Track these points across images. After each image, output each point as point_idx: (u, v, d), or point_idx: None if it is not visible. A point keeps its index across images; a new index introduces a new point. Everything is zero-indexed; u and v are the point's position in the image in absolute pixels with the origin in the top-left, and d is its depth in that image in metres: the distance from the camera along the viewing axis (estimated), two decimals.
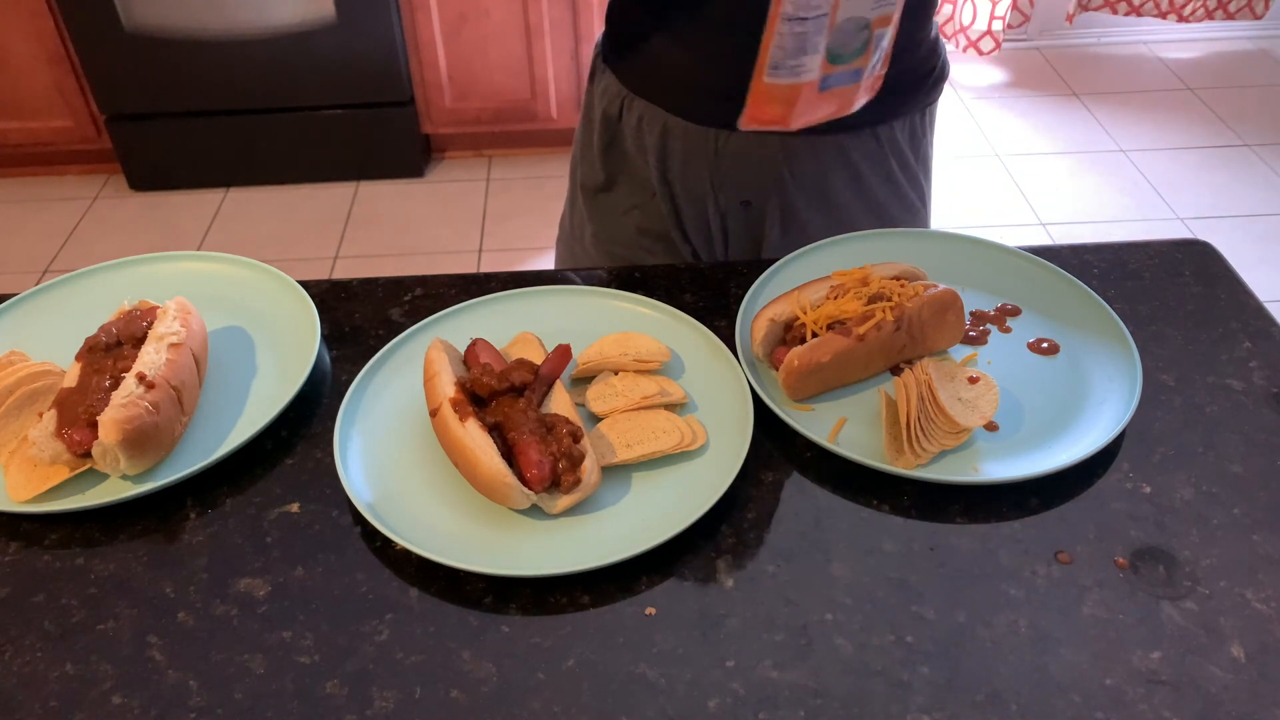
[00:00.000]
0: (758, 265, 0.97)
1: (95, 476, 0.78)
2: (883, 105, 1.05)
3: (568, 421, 0.76)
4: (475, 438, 0.74)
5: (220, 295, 0.96)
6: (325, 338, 0.92)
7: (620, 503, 0.76)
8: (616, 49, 1.12)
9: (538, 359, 0.84)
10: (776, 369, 0.84)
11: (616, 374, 0.84)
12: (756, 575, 0.71)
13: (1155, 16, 3.66)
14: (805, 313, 0.84)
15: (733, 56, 1.02)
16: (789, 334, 0.85)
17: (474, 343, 0.84)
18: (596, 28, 2.79)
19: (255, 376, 0.88)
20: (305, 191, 3.06)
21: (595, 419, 0.82)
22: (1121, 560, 0.71)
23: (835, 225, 1.06)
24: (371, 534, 0.74)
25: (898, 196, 1.11)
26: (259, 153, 3.01)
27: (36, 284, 0.98)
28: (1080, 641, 0.66)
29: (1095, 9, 3.68)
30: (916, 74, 1.06)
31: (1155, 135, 3.26)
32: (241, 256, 0.99)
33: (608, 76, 1.13)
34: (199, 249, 2.79)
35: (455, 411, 0.75)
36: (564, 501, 0.74)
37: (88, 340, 0.83)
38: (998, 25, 3.48)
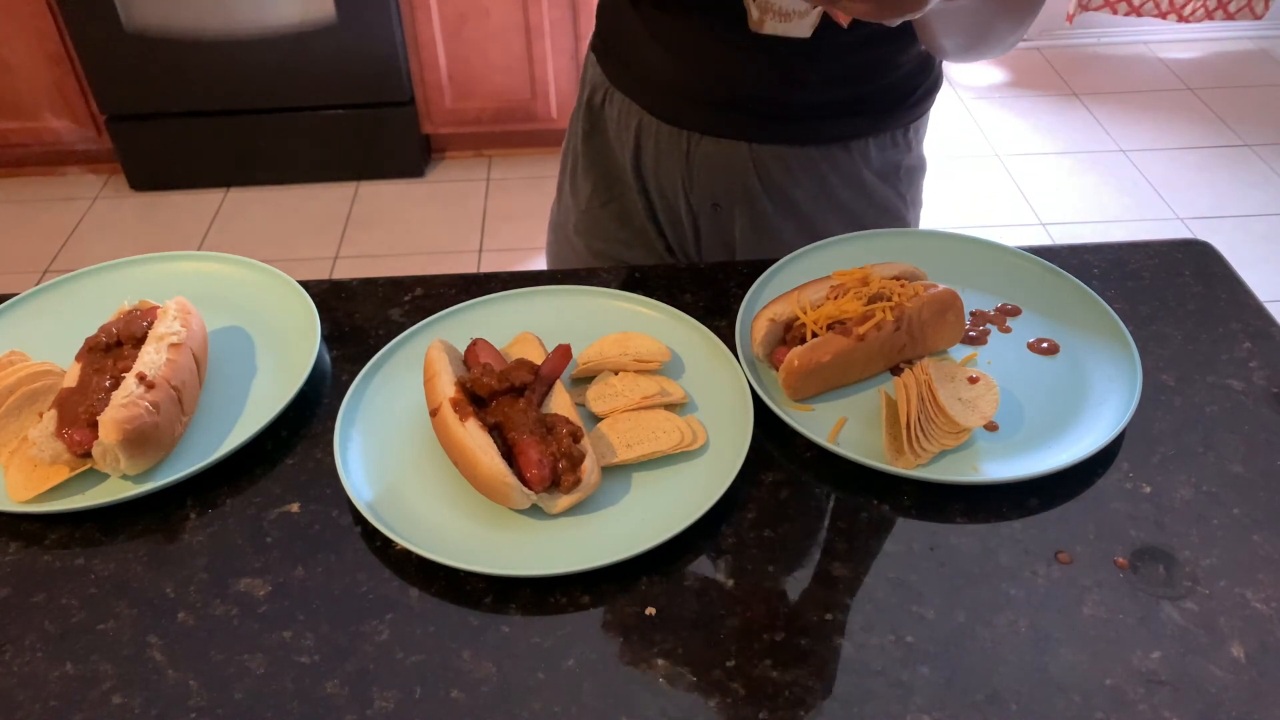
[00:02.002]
0: (758, 265, 0.97)
1: (95, 476, 0.78)
2: (856, 122, 1.05)
3: (568, 421, 0.76)
4: (475, 438, 0.74)
5: (220, 295, 0.96)
6: (325, 338, 0.92)
7: (620, 503, 0.76)
8: (603, 38, 1.13)
9: (538, 359, 0.84)
10: (776, 369, 0.84)
11: (616, 374, 0.84)
12: (756, 575, 0.71)
13: (1155, 16, 3.65)
14: (805, 313, 0.84)
15: (710, 66, 1.02)
16: (789, 334, 0.85)
17: (474, 343, 0.84)
18: None
19: (255, 376, 0.88)
20: (305, 191, 3.06)
21: (595, 419, 0.82)
22: (1121, 560, 0.71)
23: (805, 234, 1.06)
24: (371, 534, 0.74)
25: (874, 208, 1.10)
26: (259, 153, 3.01)
27: (36, 284, 0.98)
28: (1080, 641, 0.66)
29: (1095, 9, 3.68)
30: (894, 94, 1.06)
31: (1155, 135, 3.26)
32: (241, 256, 0.99)
33: (594, 65, 1.14)
34: (199, 249, 2.79)
35: (455, 411, 0.75)
36: (564, 501, 0.74)
37: (88, 340, 0.83)
38: None
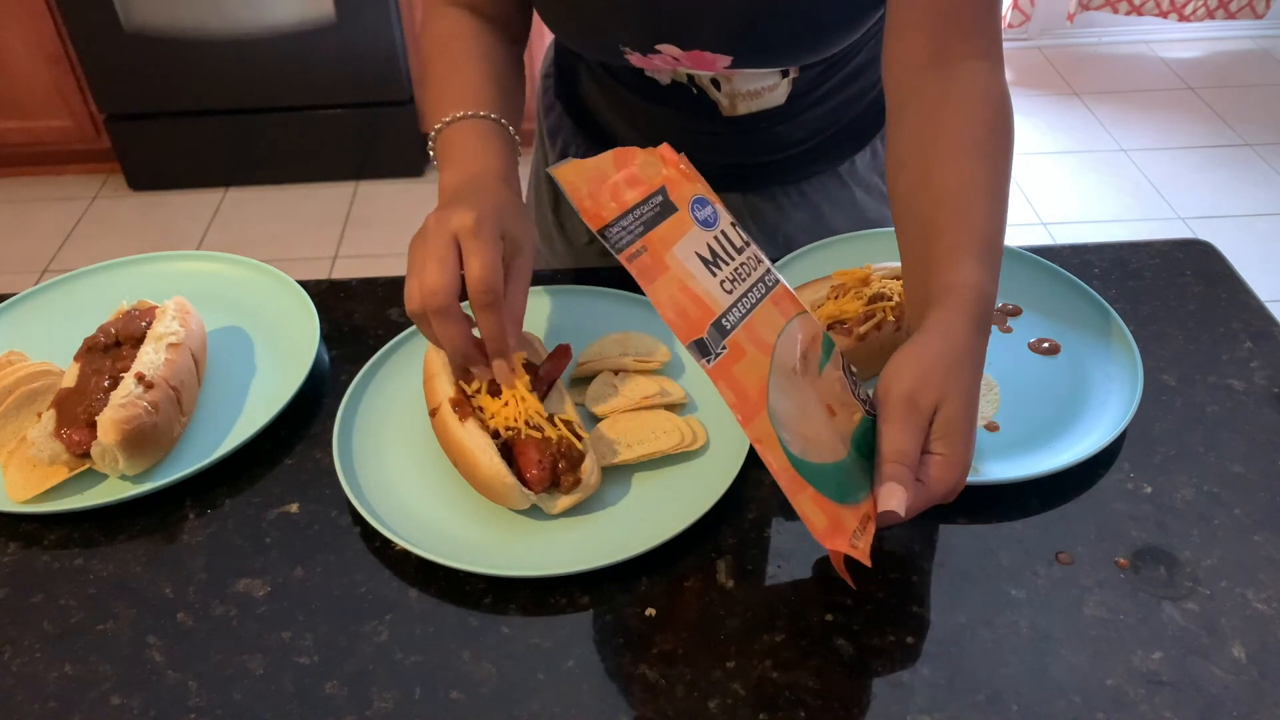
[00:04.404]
0: None
1: (94, 476, 0.78)
2: (841, 149, 1.05)
3: (568, 422, 0.76)
4: (475, 438, 0.74)
5: (220, 295, 0.96)
6: (325, 338, 0.92)
7: (620, 503, 0.76)
8: (571, 96, 1.09)
9: (538, 359, 0.83)
10: None
11: (616, 374, 0.84)
12: (756, 575, 0.71)
13: (1156, 16, 3.65)
14: None
15: (690, 147, 1.00)
16: None
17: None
18: None
19: (255, 376, 0.88)
20: (305, 191, 3.06)
21: (595, 419, 0.82)
22: (1122, 560, 0.71)
23: None
24: (371, 534, 0.74)
25: (866, 223, 1.09)
26: (259, 153, 3.01)
27: (36, 284, 0.98)
28: (1081, 642, 0.66)
29: (1096, 8, 3.68)
30: (872, 110, 1.05)
31: (1156, 135, 3.25)
32: (241, 256, 0.99)
33: (563, 117, 1.11)
34: (198, 249, 2.79)
35: (455, 411, 0.75)
36: (564, 502, 0.73)
37: (86, 340, 0.83)
38: None
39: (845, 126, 1.03)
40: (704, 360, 0.61)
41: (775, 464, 0.62)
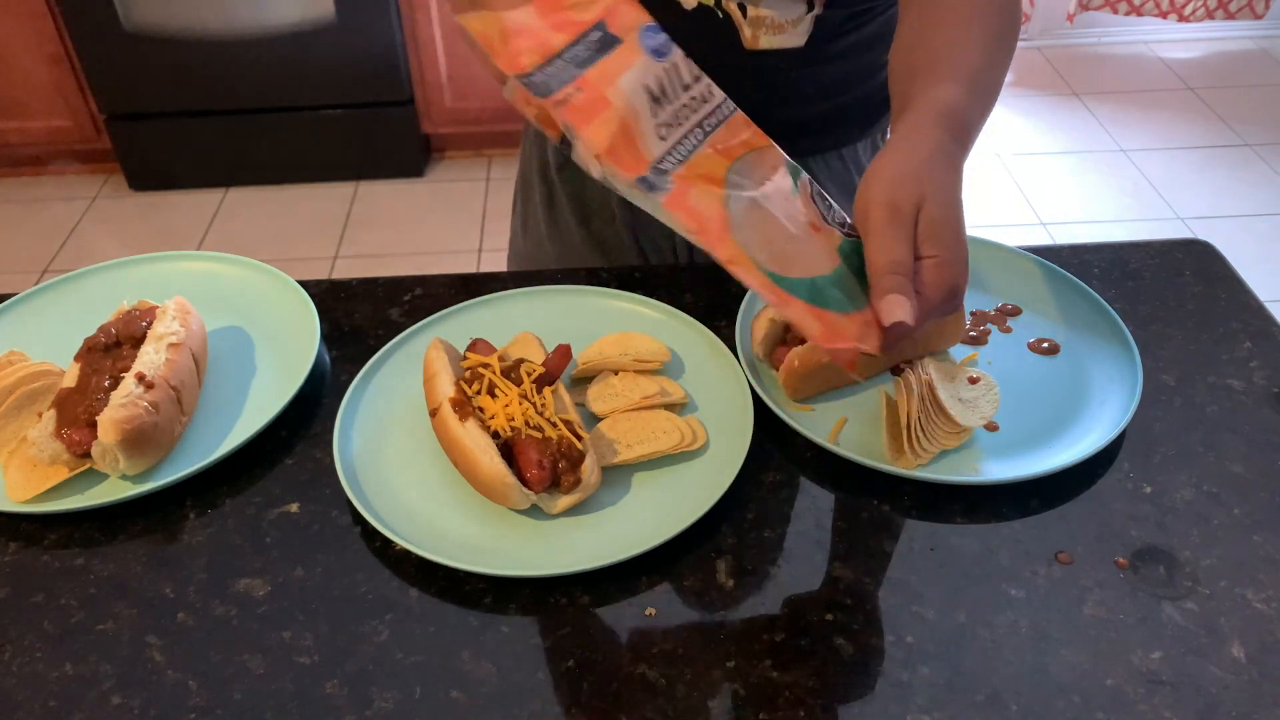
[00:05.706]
0: None
1: (95, 476, 0.78)
2: (849, 129, 1.06)
3: (568, 422, 0.76)
4: (475, 438, 0.74)
5: (220, 295, 0.96)
6: (325, 338, 0.92)
7: (620, 503, 0.76)
8: None
9: (538, 359, 0.84)
10: (777, 369, 0.84)
11: (616, 374, 0.84)
12: (756, 575, 0.71)
13: (1156, 16, 3.65)
14: None
15: None
16: (789, 334, 0.85)
17: (474, 343, 0.84)
18: None
19: (255, 376, 0.88)
20: (305, 191, 3.06)
21: (595, 419, 0.82)
22: (1122, 560, 0.71)
23: None
24: (371, 534, 0.74)
25: None
26: (259, 153, 3.01)
27: (36, 284, 0.98)
28: (1081, 642, 0.66)
29: (1096, 8, 3.68)
30: (882, 93, 1.05)
31: (1156, 135, 3.25)
32: (241, 256, 0.99)
33: None
34: (198, 249, 2.79)
35: (455, 411, 0.75)
36: (564, 501, 0.74)
37: (87, 340, 0.83)
38: None
39: (853, 101, 1.04)
40: (655, 195, 0.59)
41: (753, 280, 0.59)
